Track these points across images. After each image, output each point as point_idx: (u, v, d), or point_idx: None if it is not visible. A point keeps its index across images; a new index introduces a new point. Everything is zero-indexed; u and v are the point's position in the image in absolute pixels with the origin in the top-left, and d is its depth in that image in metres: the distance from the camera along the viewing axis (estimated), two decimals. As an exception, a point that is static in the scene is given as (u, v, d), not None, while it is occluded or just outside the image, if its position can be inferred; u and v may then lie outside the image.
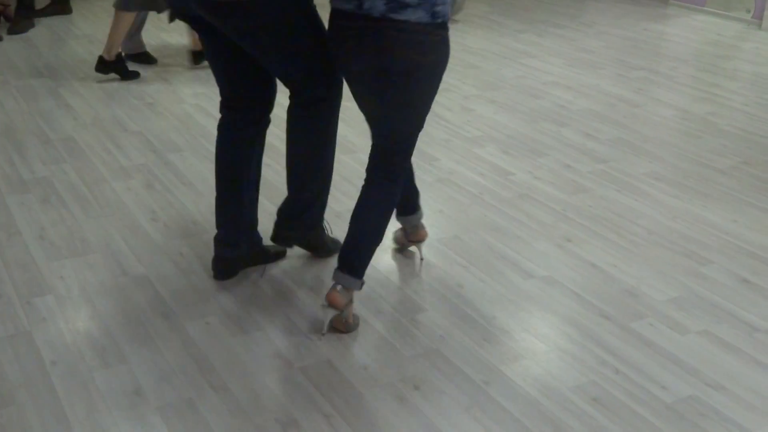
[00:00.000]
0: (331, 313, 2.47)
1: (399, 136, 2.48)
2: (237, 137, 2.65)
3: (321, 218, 2.82)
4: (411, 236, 2.95)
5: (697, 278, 2.94)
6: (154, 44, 5.61)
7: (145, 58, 5.18)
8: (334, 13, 2.32)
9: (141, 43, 5.18)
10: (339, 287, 2.46)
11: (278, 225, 2.79)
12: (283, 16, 2.38)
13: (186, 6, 2.41)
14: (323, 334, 2.51)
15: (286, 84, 2.57)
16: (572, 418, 2.20)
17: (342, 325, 2.53)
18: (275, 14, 2.36)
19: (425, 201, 3.42)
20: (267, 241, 2.98)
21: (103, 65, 4.77)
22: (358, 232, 2.49)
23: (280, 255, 2.91)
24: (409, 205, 2.88)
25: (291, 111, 2.64)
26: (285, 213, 2.77)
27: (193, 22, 2.49)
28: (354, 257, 2.48)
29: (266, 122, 2.69)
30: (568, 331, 2.59)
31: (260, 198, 3.39)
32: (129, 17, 4.68)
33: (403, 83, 2.33)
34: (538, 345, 2.51)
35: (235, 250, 2.76)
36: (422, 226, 2.95)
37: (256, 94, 2.63)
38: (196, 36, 4.94)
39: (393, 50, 2.26)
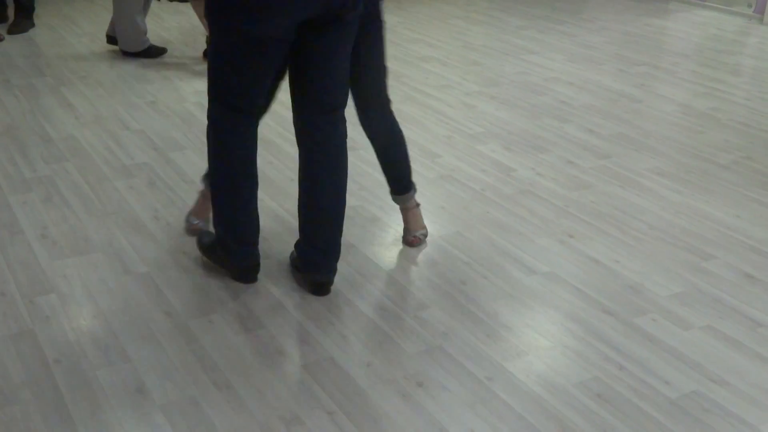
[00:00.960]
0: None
1: None
2: (253, 139, 2.64)
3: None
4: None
5: (700, 273, 2.93)
6: (154, 42, 5.60)
7: (150, 52, 5.20)
8: None
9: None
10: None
11: (322, 264, 2.69)
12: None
13: (307, 10, 2.31)
14: None
15: (329, 98, 2.52)
16: (576, 414, 2.20)
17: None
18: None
19: (427, 198, 3.42)
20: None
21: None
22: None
23: None
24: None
25: (333, 133, 2.58)
26: (331, 252, 2.68)
27: (285, 33, 2.37)
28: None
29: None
30: (571, 327, 2.59)
31: (263, 196, 3.40)
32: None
33: None
34: (541, 341, 2.51)
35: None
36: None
37: (272, 96, 2.68)
38: None
39: None
